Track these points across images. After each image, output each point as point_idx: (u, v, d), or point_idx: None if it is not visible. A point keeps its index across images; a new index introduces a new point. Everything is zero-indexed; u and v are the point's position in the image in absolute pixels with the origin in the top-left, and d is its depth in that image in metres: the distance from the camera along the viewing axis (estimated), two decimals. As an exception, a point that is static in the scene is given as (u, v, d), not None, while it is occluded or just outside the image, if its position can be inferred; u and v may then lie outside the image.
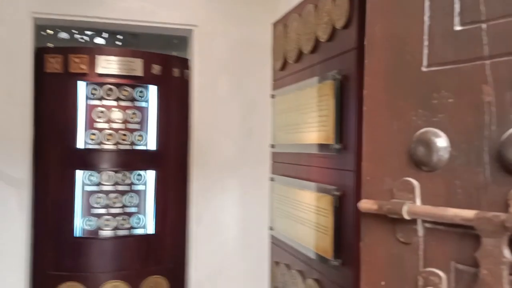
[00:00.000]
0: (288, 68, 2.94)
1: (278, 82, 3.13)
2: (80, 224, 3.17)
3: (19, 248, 3.02)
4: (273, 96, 3.14)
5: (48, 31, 3.67)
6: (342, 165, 2.19)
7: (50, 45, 3.17)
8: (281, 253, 2.98)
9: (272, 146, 3.13)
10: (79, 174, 3.18)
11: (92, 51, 3.16)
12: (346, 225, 2.15)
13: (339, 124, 2.20)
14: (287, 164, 2.91)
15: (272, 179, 3.13)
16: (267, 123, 3.33)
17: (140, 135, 3.31)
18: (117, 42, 3.97)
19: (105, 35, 3.91)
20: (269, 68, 3.32)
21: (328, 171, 2.33)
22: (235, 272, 3.38)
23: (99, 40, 4.01)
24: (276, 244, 3.07)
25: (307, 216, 2.53)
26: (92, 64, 3.12)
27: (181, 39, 3.65)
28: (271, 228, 3.14)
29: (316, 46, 2.51)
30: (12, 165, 3.02)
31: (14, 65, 3.02)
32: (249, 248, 3.39)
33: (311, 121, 2.51)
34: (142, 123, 3.34)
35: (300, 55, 2.73)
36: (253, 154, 3.41)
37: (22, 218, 3.02)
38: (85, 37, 3.95)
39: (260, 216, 3.34)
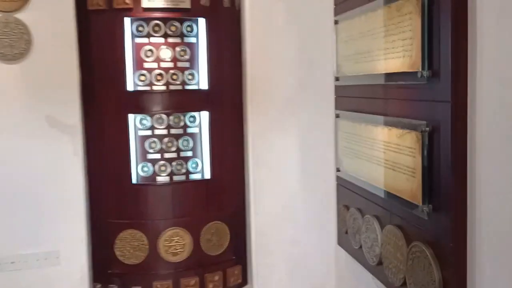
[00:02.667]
0: (355, -12, 2.57)
1: (342, 6, 2.77)
2: (136, 171, 3.03)
3: (77, 196, 2.92)
4: (336, 22, 2.79)
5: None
6: (432, 96, 1.88)
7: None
8: (352, 196, 2.74)
9: (337, 79, 2.82)
10: (131, 118, 2.99)
11: (136, -18, 2.87)
12: (440, 166, 1.86)
13: (428, 47, 1.86)
14: (357, 98, 2.60)
15: (337, 116, 2.85)
16: (330, 54, 3.01)
17: (191, 74, 3.07)
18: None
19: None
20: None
21: (413, 103, 2.02)
22: (299, 216, 3.19)
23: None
24: (345, 186, 2.83)
25: (386, 156, 2.25)
26: (137, -2, 2.84)
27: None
28: (338, 170, 2.89)
29: (394, -44, 2.12)
30: (62, 112, 2.86)
31: (56, 4, 2.79)
32: (313, 190, 3.17)
33: (388, 46, 2.18)
34: (192, 60, 3.08)
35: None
36: (315, 88, 3.11)
37: (78, 166, 2.91)
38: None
39: (324, 156, 3.09)
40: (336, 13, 2.84)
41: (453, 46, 1.75)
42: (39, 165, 2.83)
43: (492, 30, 1.64)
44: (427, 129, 1.90)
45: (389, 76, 2.18)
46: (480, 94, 1.71)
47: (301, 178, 3.17)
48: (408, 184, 2.05)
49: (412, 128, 1.99)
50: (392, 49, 2.13)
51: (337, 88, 2.89)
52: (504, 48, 1.59)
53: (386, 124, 2.24)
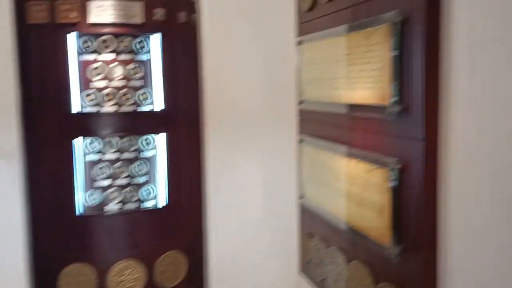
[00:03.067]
0: (319, 8, 2.43)
1: (306, 26, 2.63)
2: (82, 200, 2.78)
3: (15, 228, 2.64)
4: (300, 43, 2.65)
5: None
6: (403, 132, 1.75)
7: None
8: (316, 224, 2.60)
9: (301, 102, 2.67)
10: (78, 142, 2.74)
11: (83, -5, 2.63)
12: (410, 206, 1.74)
13: (399, 80, 1.74)
14: (322, 124, 2.46)
15: (301, 141, 2.70)
16: (293, 75, 2.86)
17: (145, 93, 2.85)
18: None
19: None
20: (293, 8, 2.80)
21: (382, 137, 1.89)
22: (260, 243, 3.02)
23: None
24: (309, 214, 2.68)
25: (352, 189, 2.12)
26: (83, 11, 2.60)
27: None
28: (301, 196, 2.74)
29: (361, -21, 1.99)
30: (0, 135, 2.58)
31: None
32: (275, 216, 3.01)
33: (355, 75, 2.05)
34: (146, 79, 2.87)
35: (336, -8, 2.21)
36: (278, 110, 2.95)
37: (15, 195, 2.63)
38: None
39: (287, 181, 2.94)
40: (300, 33, 2.70)
41: (426, 82, 1.63)
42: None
43: (467, 66, 1.53)
44: (398, 166, 1.77)
45: (356, 106, 2.05)
46: (453, 133, 1.60)
47: (263, 204, 3.00)
48: (377, 222, 1.92)
49: (382, 164, 1.86)
50: (360, 78, 2.00)
51: (300, 112, 2.75)
52: (479, 86, 1.48)
53: (353, 156, 2.10)
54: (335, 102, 2.25)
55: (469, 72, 1.50)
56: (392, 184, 1.80)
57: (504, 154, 1.40)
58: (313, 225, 2.64)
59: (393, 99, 1.76)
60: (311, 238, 2.66)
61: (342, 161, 2.21)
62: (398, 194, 1.78)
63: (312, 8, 2.50)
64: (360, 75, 2.00)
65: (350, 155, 2.14)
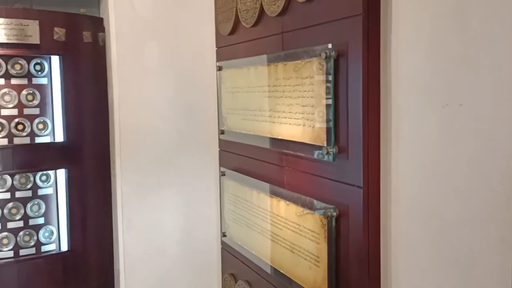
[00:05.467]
0: (241, 33, 2.26)
1: (226, 50, 2.44)
2: (-34, 248, 2.35)
3: None
4: (220, 68, 2.45)
5: None
6: (340, 176, 1.61)
7: None
8: (240, 266, 2.40)
9: (222, 132, 2.47)
10: (-41, 182, 2.32)
11: (-36, 10, 2.23)
12: (349, 257, 1.59)
13: (335, 119, 1.59)
14: (245, 158, 2.27)
15: (223, 174, 2.49)
16: (213, 102, 2.66)
17: (42, 123, 2.49)
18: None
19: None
20: (211, 30, 2.60)
21: (315, 180, 1.74)
22: (177, 285, 2.75)
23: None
24: (232, 254, 2.48)
25: (282, 234, 1.94)
26: (-36, 28, 2.21)
27: (90, -9, 2.77)
28: (223, 234, 2.53)
29: (290, 6, 1.84)
30: None
31: None
32: (194, 256, 2.75)
33: (283, 109, 1.88)
34: (44, 106, 2.51)
35: (261, 17, 2.04)
36: (197, 139, 2.72)
37: None
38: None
39: (208, 217, 2.71)
40: (218, 57, 2.50)
41: (364, 124, 1.49)
42: None
43: (411, 109, 1.41)
44: (334, 213, 1.62)
45: (285, 142, 1.88)
46: (395, 182, 1.48)
47: (180, 242, 2.73)
48: (311, 273, 1.75)
49: (315, 209, 1.70)
50: (289, 113, 1.84)
51: (221, 142, 2.54)
52: (425, 132, 1.37)
53: (282, 197, 1.93)
54: (260, 135, 2.08)
55: (414, 115, 1.39)
56: (328, 232, 1.64)
57: (450, 208, 1.29)
58: (237, 266, 2.43)
59: (327, 140, 1.60)
60: (235, 281, 2.45)
61: (269, 201, 2.03)
62: (335, 245, 1.63)
63: (233, 32, 2.32)
64: (289, 109, 1.84)
65: (278, 195, 1.97)
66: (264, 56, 2.01)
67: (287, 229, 1.91)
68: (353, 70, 1.51)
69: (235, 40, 2.32)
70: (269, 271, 2.08)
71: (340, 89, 1.57)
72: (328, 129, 1.61)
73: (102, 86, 2.63)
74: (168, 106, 2.67)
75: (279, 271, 1.98)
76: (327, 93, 1.60)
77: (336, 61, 1.57)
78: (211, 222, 2.72)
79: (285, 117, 1.87)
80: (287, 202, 1.90)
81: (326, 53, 1.57)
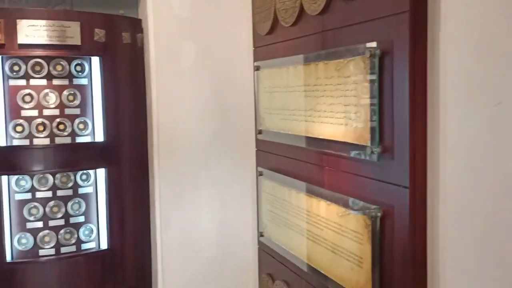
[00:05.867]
0: (280, 32, 2.25)
1: (263, 50, 2.43)
2: (11, 245, 2.41)
3: None
4: (257, 68, 2.44)
5: None
6: (384, 176, 1.58)
7: None
8: (277, 266, 2.39)
9: (260, 132, 2.46)
10: (5, 180, 2.38)
11: (10, 13, 2.29)
12: (394, 259, 1.56)
13: (380, 119, 1.57)
14: (284, 158, 2.26)
15: (261, 174, 2.48)
16: (250, 102, 2.66)
17: (83, 123, 2.54)
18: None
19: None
20: (248, 30, 2.60)
21: (358, 180, 1.72)
22: (214, 284, 2.75)
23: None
24: (270, 254, 2.47)
25: (323, 234, 1.92)
26: (11, 31, 2.27)
27: (129, -7, 2.81)
28: (261, 234, 2.52)
29: (331, 4, 1.82)
30: None
31: None
32: (231, 255, 2.76)
33: (325, 108, 1.86)
34: (84, 106, 2.55)
35: (300, 16, 2.03)
36: (233, 139, 2.72)
37: None
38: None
39: (244, 217, 2.71)
40: (256, 57, 2.50)
41: (411, 123, 1.46)
42: None
43: (459, 107, 1.38)
44: (379, 214, 1.59)
45: (326, 142, 1.86)
46: (442, 182, 1.44)
47: (217, 242, 2.74)
48: (354, 274, 1.73)
49: (358, 209, 1.68)
50: (331, 113, 1.82)
51: (259, 142, 2.54)
52: (474, 131, 1.33)
53: (322, 197, 1.91)
54: (299, 135, 2.06)
55: (462, 114, 1.35)
56: (372, 233, 1.61)
57: (500, 210, 1.25)
58: (274, 266, 2.42)
59: (371, 140, 1.58)
60: (272, 281, 2.44)
61: (309, 201, 2.02)
62: (379, 245, 1.60)
63: (271, 31, 2.31)
64: (330, 108, 1.82)
65: (318, 195, 1.95)
66: (304, 55, 2.00)
67: (328, 229, 1.89)
68: (399, 69, 1.48)
69: (273, 39, 2.32)
70: (308, 271, 2.06)
71: (385, 88, 1.54)
72: (372, 129, 1.58)
73: (140, 87, 2.66)
74: (204, 106, 2.68)
75: (318, 271, 1.97)
76: (371, 92, 1.57)
77: (381, 60, 1.54)
78: (248, 222, 2.71)
79: (326, 117, 1.85)
80: (328, 202, 1.88)
81: (370, 51, 1.55)
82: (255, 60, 2.53)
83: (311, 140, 1.99)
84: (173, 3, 2.58)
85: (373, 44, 1.56)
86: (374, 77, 1.56)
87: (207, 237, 2.73)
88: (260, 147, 2.55)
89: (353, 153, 1.68)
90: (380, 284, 1.61)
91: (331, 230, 1.87)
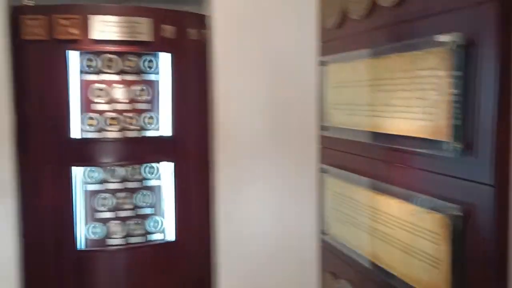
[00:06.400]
0: (349, 25, 2.21)
1: (330, 44, 2.40)
2: (83, 233, 2.50)
3: (7, 268, 2.34)
4: (323, 63, 2.41)
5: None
6: (465, 174, 1.52)
7: (29, 2, 2.38)
8: (342, 266, 2.35)
9: (324, 127, 2.43)
10: (78, 171, 2.47)
11: (85, 9, 2.37)
12: (474, 261, 1.49)
13: (462, 114, 1.50)
14: (351, 155, 2.23)
15: (324, 171, 2.45)
16: (312, 97, 2.63)
17: (151, 117, 2.59)
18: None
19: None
20: (313, 24, 2.57)
21: (433, 177, 1.66)
22: (275, 281, 2.74)
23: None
24: (333, 252, 2.44)
25: (393, 233, 1.87)
26: (85, 27, 2.34)
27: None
28: (323, 232, 2.49)
29: (407, -4, 1.77)
30: (-11, 165, 2.29)
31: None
32: (292, 252, 2.73)
33: (398, 103, 1.81)
34: (153, 101, 2.61)
35: (373, 8, 1.98)
36: (296, 136, 2.68)
37: (8, 231, 2.33)
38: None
39: (305, 214, 2.68)
40: (324, 52, 2.46)
41: (498, 118, 1.39)
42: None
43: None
44: (459, 214, 1.53)
45: (399, 138, 1.81)
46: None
47: (278, 238, 2.72)
48: (429, 275, 1.67)
49: (434, 208, 1.62)
50: (406, 107, 1.77)
51: (323, 139, 2.51)
52: None
53: (394, 195, 1.86)
54: (369, 131, 2.02)
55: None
56: (451, 234, 1.55)
57: None
58: (338, 265, 2.39)
59: (453, 136, 1.51)
60: (335, 279, 2.40)
61: (377, 199, 1.97)
62: (459, 247, 1.54)
63: (340, 25, 2.27)
64: (405, 103, 1.76)
65: (388, 193, 1.90)
66: (375, 49, 1.95)
67: (399, 229, 1.83)
68: (486, 62, 1.41)
69: (341, 33, 2.28)
70: (376, 271, 2.01)
71: (468, 82, 1.48)
72: (454, 125, 1.52)
73: (204, 82, 2.69)
74: (266, 101, 2.67)
75: (386, 271, 1.92)
76: (453, 86, 1.51)
77: (465, 52, 1.48)
78: (308, 218, 2.68)
79: (400, 112, 1.80)
80: (400, 200, 1.83)
81: (453, 43, 1.49)
82: (320, 55, 2.50)
83: (381, 136, 1.94)
84: (238, -2, 2.59)
85: (457, 35, 1.49)
86: (457, 70, 1.49)
87: (266, 232, 2.72)
88: (324, 144, 2.51)
89: (430, 150, 1.63)
90: (459, 285, 1.55)
91: (402, 229, 1.82)
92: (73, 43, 2.35)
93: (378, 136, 1.96)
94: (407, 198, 1.77)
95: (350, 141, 2.21)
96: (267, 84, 2.65)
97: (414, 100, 1.70)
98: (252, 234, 2.68)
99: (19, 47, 2.34)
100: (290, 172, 2.68)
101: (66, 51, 2.36)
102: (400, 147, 1.81)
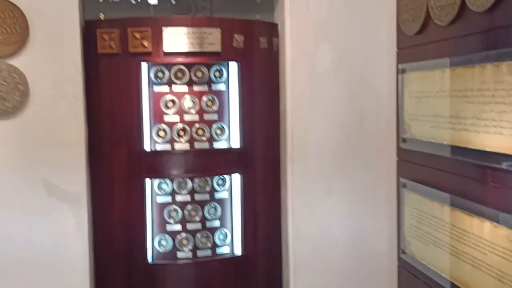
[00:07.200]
0: (432, 31, 2.05)
1: (410, 52, 2.25)
2: (152, 246, 2.49)
3: (79, 279, 2.37)
4: (403, 71, 2.27)
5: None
6: None
7: (101, 16, 2.40)
8: (421, 286, 2.19)
9: (403, 140, 2.28)
10: (149, 183, 2.47)
11: (157, 21, 2.36)
12: None
13: None
14: (435, 170, 2.06)
15: (404, 185, 2.30)
16: (387, 107, 2.49)
17: (220, 128, 2.54)
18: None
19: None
20: (391, 30, 2.43)
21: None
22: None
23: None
24: (412, 273, 2.28)
25: (485, 259, 1.71)
26: (157, 39, 2.34)
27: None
28: (403, 251, 2.34)
29: (506, -2, 1.60)
30: (65, 176, 2.33)
31: (59, 47, 2.28)
32: (365, 271, 2.61)
33: (492, 116, 1.65)
34: (222, 112, 2.56)
35: (461, 13, 1.82)
36: (369, 146, 2.58)
37: (81, 242, 2.36)
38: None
39: (382, 231, 2.55)
40: (402, 59, 2.32)
41: None
42: (33, 242, 2.30)
43: None
44: None
45: (494, 155, 1.64)
46: None
47: (350, 255, 2.60)
48: (531, 310, 1.49)
49: (540, 236, 1.44)
50: (501, 121, 1.60)
51: (401, 151, 2.36)
52: None
53: (487, 217, 1.69)
54: (455, 145, 1.86)
55: None
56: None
57: None
58: (416, 286, 2.23)
59: None
60: (415, 302, 2.25)
61: (467, 220, 1.80)
62: None
63: (421, 31, 2.12)
64: (500, 117, 1.60)
65: (480, 215, 1.73)
66: (464, 57, 1.79)
67: (493, 254, 1.66)
68: None
69: (423, 40, 2.13)
70: (464, 298, 1.85)
71: None
72: None
73: (274, 92, 2.62)
74: (339, 111, 2.57)
75: (480, 301, 1.75)
76: None
77: None
78: (384, 236, 2.55)
79: (494, 126, 1.64)
80: (494, 223, 1.65)
81: None
82: (399, 62, 2.36)
83: (469, 152, 1.78)
84: (311, 5, 2.50)
85: None
86: None
87: (339, 249, 2.60)
88: (403, 156, 2.36)
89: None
90: None
91: (496, 254, 1.65)
92: (145, 56, 2.35)
93: (465, 151, 1.79)
94: (505, 222, 1.60)
95: (432, 155, 2.05)
96: (342, 93, 2.55)
97: (510, 114, 1.54)
98: (325, 251, 2.58)
99: (93, 61, 2.37)
100: (365, 185, 2.56)
101: (138, 63, 2.36)
102: (493, 164, 1.64)
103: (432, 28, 2.04)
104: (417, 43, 2.17)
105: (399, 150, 2.37)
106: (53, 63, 2.28)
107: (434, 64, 2.01)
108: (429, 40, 2.07)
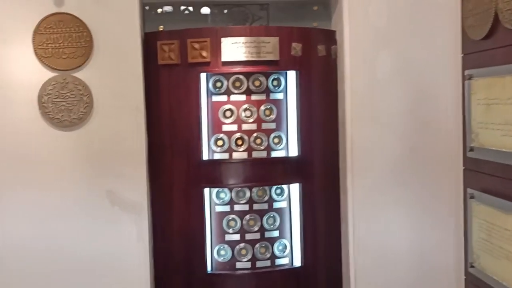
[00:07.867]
0: (502, 36, 1.95)
1: (477, 57, 2.15)
2: (211, 256, 2.49)
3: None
4: (469, 77, 2.17)
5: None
6: None
7: (161, 28, 2.44)
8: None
9: (471, 149, 2.19)
10: (208, 193, 2.48)
11: (215, 32, 2.38)
12: None
13: None
14: (506, 180, 1.96)
15: (472, 196, 2.20)
16: (452, 115, 2.40)
17: (278, 137, 2.53)
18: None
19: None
20: (455, 35, 2.35)
21: None
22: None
23: (205, 10, 3.07)
24: (481, 287, 2.17)
25: None
26: (215, 49, 2.35)
27: (323, 4, 2.74)
28: (471, 265, 2.23)
29: None
30: (126, 186, 2.38)
31: (121, 59, 2.34)
32: (429, 284, 2.51)
33: None
34: (279, 121, 2.55)
35: (537, 16, 1.72)
36: (431, 155, 2.49)
37: (142, 252, 2.40)
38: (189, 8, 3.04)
39: (447, 244, 2.45)
40: (468, 65, 2.23)
41: None
42: (95, 252, 2.35)
43: None
44: None
45: None
46: None
47: (413, 268, 2.52)
48: None
49: None
50: None
51: (468, 161, 2.25)
52: None
53: None
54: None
55: None
56: None
57: None
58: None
59: None
60: (485, 319, 2.13)
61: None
62: None
63: (489, 35, 2.02)
64: None
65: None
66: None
67: None
68: None
69: (491, 44, 2.03)
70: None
71: None
72: None
73: (332, 100, 2.58)
74: (401, 119, 2.50)
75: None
76: None
77: None
78: (450, 249, 2.45)
79: None
80: None
81: None
82: (464, 68, 2.26)
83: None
84: (370, 12, 2.46)
85: None
86: None
87: (402, 261, 2.52)
88: (470, 166, 2.26)
89: None
90: None
91: None
92: (204, 66, 2.37)
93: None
94: None
95: (503, 164, 1.95)
96: (403, 101, 2.48)
97: None
98: (387, 264, 2.50)
99: (154, 72, 2.41)
100: (429, 197, 2.47)
101: (198, 74, 2.38)
102: None
103: (501, 32, 1.94)
104: (485, 48, 2.07)
105: (466, 159, 2.27)
106: (116, 75, 2.35)
107: (504, 69, 1.91)
108: (498, 44, 1.97)
